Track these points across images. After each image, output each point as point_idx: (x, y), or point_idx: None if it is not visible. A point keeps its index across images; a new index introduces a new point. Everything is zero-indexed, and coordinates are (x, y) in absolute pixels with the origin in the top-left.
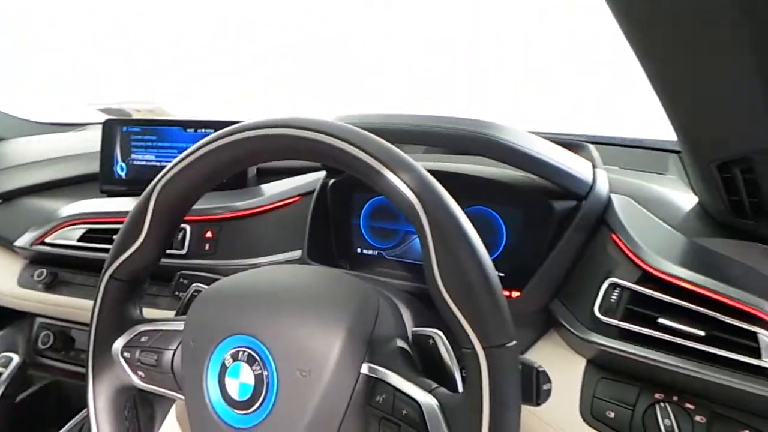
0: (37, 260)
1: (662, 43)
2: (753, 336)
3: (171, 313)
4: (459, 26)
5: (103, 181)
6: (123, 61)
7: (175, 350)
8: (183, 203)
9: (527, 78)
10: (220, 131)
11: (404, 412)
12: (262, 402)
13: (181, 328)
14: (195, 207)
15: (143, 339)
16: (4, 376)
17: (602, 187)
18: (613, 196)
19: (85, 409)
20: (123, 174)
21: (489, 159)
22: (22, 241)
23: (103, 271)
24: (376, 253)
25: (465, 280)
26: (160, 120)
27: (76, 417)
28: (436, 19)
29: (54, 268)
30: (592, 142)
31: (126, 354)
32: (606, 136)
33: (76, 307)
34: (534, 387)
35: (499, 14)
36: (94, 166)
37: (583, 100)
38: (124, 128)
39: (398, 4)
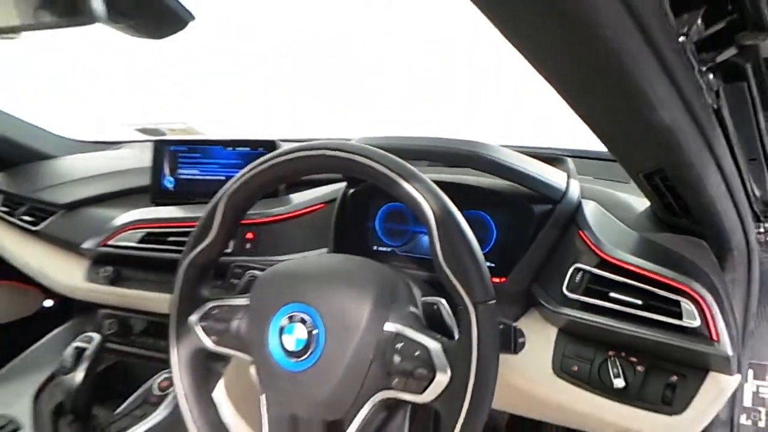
0: (99, 260)
1: (567, 86)
2: (678, 304)
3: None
4: (459, 26)
5: (153, 193)
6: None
7: (240, 319)
8: (243, 208)
9: (527, 78)
10: (276, 152)
11: (417, 353)
12: (312, 351)
13: (243, 302)
14: None
15: (214, 312)
16: (89, 351)
17: (574, 193)
18: (583, 201)
19: (144, 386)
20: (171, 186)
21: (480, 171)
22: (89, 243)
23: (181, 260)
24: (389, 249)
25: (460, 259)
26: (204, 140)
27: (137, 392)
28: (436, 20)
29: (116, 266)
30: (572, 156)
31: (201, 323)
32: (583, 150)
33: (137, 298)
34: (512, 339)
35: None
36: (139, 180)
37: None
38: (172, 147)
39: (398, 4)
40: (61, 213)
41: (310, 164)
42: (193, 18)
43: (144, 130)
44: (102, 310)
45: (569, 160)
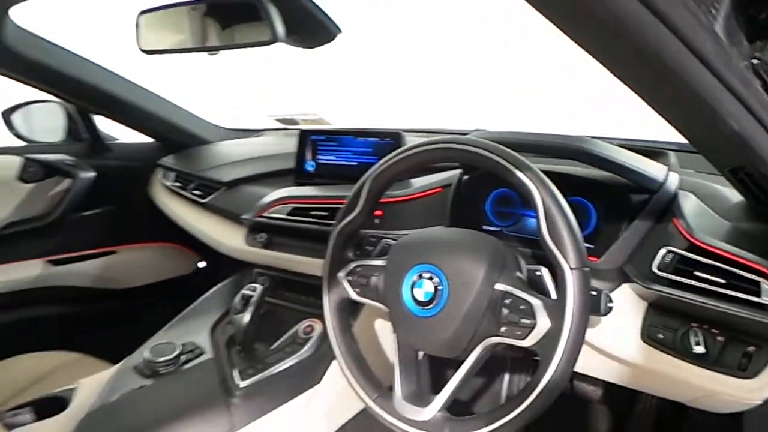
0: (255, 227)
1: (647, 88)
2: (758, 284)
3: None
4: (459, 26)
5: (297, 175)
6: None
7: (377, 276)
8: (383, 189)
9: (527, 78)
10: (414, 144)
11: (522, 307)
12: (437, 302)
13: (380, 263)
14: None
15: (358, 269)
16: (254, 298)
17: (671, 185)
18: (681, 192)
19: (291, 330)
20: (312, 169)
21: (582, 162)
22: (248, 214)
23: (333, 229)
24: (498, 229)
25: (561, 233)
26: (339, 130)
27: (287, 334)
28: (436, 20)
29: (269, 233)
30: (677, 150)
31: (347, 278)
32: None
33: (285, 259)
34: (601, 303)
35: (499, 16)
36: (282, 164)
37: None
38: (313, 137)
39: (398, 4)
40: (224, 189)
41: (442, 155)
42: (340, 31)
43: (282, 120)
44: (256, 269)
45: (672, 153)
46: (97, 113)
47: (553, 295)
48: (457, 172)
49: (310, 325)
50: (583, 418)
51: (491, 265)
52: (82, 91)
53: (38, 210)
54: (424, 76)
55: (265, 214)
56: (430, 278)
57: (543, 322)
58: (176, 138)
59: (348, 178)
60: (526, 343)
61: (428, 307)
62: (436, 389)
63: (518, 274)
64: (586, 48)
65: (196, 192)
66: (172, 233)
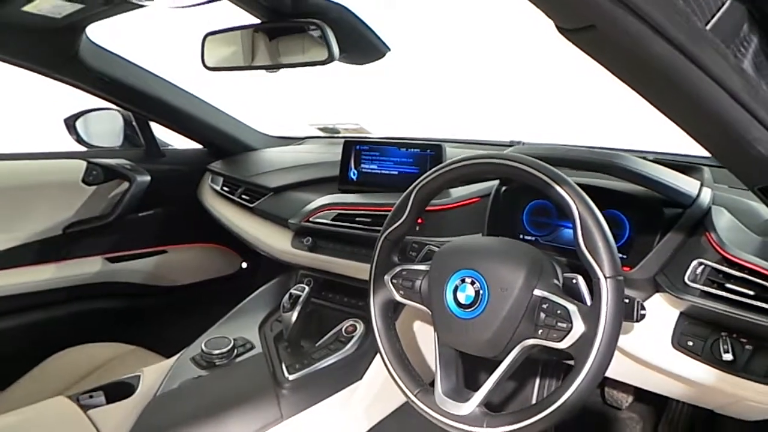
0: (301, 231)
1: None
2: None
3: None
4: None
5: (341, 182)
6: None
7: (421, 280)
8: (430, 197)
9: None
10: (459, 158)
11: (559, 312)
12: (478, 305)
13: (424, 268)
14: None
15: (403, 273)
16: (302, 297)
17: (704, 200)
18: (714, 207)
19: (335, 329)
20: (354, 178)
21: (616, 177)
22: (295, 219)
23: (380, 234)
24: (533, 238)
25: (597, 243)
26: (381, 140)
27: (330, 332)
28: (433, 20)
29: (314, 237)
30: (711, 165)
31: (393, 281)
32: None
33: (329, 262)
34: (634, 310)
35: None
36: (325, 172)
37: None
38: (357, 146)
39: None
40: (270, 195)
41: (486, 170)
42: (389, 50)
43: (323, 129)
44: (300, 271)
45: (705, 169)
46: (155, 121)
47: (588, 302)
48: (495, 183)
49: (352, 325)
50: (613, 426)
51: (530, 272)
52: (143, 100)
53: (99, 210)
54: (461, 87)
55: (311, 219)
56: (472, 283)
57: (578, 326)
58: (224, 144)
59: (389, 186)
60: (562, 345)
61: (469, 309)
62: (472, 387)
63: (555, 281)
64: (621, 78)
65: (245, 197)
66: (218, 235)
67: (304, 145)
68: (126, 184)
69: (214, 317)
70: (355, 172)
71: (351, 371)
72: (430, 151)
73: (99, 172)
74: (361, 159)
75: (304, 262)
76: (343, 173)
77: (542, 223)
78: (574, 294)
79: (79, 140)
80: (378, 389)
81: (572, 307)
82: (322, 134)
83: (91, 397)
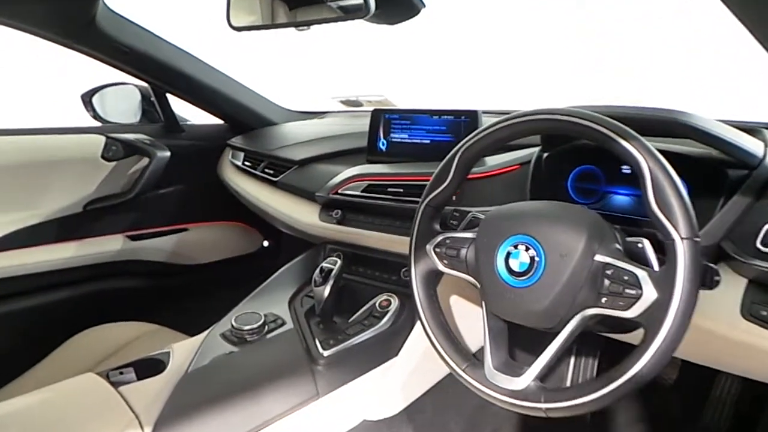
0: (328, 204)
1: None
2: None
3: None
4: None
5: (369, 152)
6: None
7: (467, 248)
8: (473, 161)
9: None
10: (514, 114)
11: (626, 278)
12: (533, 273)
13: (468, 236)
14: None
15: (447, 241)
16: (334, 271)
17: None
18: None
19: (368, 304)
20: (384, 148)
21: (678, 137)
22: (322, 192)
23: (421, 201)
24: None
25: (670, 201)
26: (414, 109)
27: (364, 307)
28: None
29: (343, 210)
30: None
31: (436, 250)
32: None
33: (359, 235)
34: (709, 277)
35: None
36: (351, 143)
37: None
38: (387, 115)
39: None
40: (295, 168)
41: (543, 126)
42: (424, 5)
43: (346, 102)
44: (329, 245)
45: (766, 131)
46: (174, 94)
47: (656, 267)
48: (536, 149)
49: (387, 299)
50: (655, 404)
51: (591, 237)
52: (162, 71)
53: (119, 187)
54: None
55: (340, 192)
56: (527, 249)
57: (649, 292)
58: (244, 119)
59: (421, 156)
60: (630, 314)
61: (523, 278)
62: (523, 361)
63: (617, 245)
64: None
65: (268, 171)
66: (239, 213)
67: (327, 119)
68: (146, 160)
69: (237, 296)
70: (384, 142)
71: (386, 347)
72: (465, 118)
73: (118, 148)
74: (390, 128)
75: (332, 236)
76: (372, 143)
77: (589, 189)
78: (639, 259)
79: (96, 116)
80: (414, 366)
81: (641, 273)
82: (345, 107)
83: (121, 373)
